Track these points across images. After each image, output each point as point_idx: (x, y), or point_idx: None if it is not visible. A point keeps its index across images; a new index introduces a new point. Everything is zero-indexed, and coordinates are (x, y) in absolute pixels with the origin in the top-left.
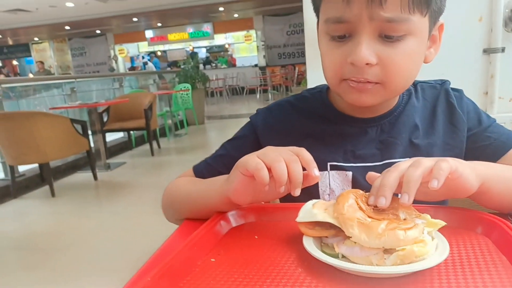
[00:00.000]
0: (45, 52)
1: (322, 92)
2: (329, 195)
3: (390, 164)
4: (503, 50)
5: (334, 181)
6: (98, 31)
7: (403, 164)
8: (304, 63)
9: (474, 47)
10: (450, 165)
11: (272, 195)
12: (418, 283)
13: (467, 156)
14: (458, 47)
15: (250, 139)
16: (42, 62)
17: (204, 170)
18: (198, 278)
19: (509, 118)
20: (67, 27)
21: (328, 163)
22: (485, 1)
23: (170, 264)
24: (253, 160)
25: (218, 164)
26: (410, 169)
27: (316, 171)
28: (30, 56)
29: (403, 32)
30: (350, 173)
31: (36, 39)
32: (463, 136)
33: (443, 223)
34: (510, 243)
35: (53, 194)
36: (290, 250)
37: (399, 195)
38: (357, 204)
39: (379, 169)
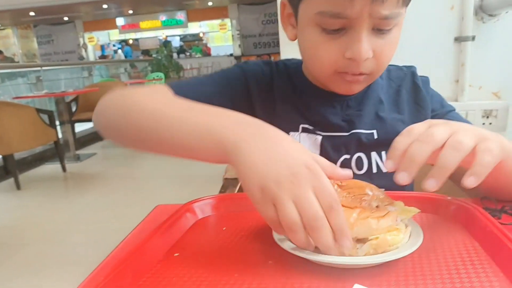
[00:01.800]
0: (8, 39)
1: (298, 65)
2: None
3: (357, 135)
4: (473, 38)
5: (304, 143)
6: (66, 18)
7: (439, 135)
8: (279, 53)
9: (446, 35)
10: (495, 160)
11: None
12: (391, 272)
13: None
14: (430, 35)
15: (238, 83)
16: (1, 52)
17: (186, 88)
18: (160, 274)
19: (478, 106)
20: (31, 13)
21: (301, 125)
22: None
23: (127, 262)
24: (288, 215)
25: (204, 86)
26: (449, 152)
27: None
28: None
29: (393, 25)
30: (319, 138)
31: None
32: (428, 114)
33: (416, 210)
34: (482, 229)
35: (18, 187)
36: (260, 241)
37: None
38: None
39: (346, 139)
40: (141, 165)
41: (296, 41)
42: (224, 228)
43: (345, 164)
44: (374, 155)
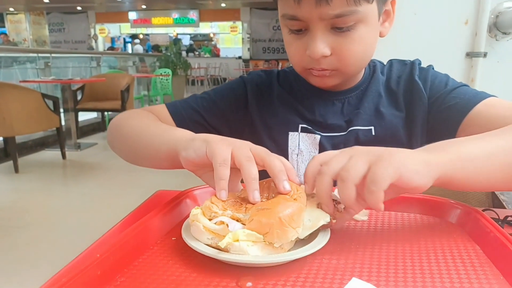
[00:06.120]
0: (20, 24)
1: None
2: (297, 155)
3: (355, 132)
4: (485, 55)
5: (303, 142)
6: (79, 8)
7: (334, 165)
8: (288, 59)
9: (458, 49)
10: (384, 181)
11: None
12: (390, 267)
13: (434, 121)
14: (442, 48)
15: (238, 92)
16: (6, 35)
17: (180, 105)
18: (156, 256)
19: None
20: (46, 0)
21: (300, 125)
22: (472, 5)
23: (123, 241)
24: (244, 156)
25: (197, 103)
26: (340, 187)
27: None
28: (4, 27)
29: (352, 22)
30: (318, 137)
31: (11, 9)
32: (424, 103)
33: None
34: (484, 232)
35: (16, 170)
36: None
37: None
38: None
39: (344, 138)
40: None
41: None
42: None
43: None
44: None
